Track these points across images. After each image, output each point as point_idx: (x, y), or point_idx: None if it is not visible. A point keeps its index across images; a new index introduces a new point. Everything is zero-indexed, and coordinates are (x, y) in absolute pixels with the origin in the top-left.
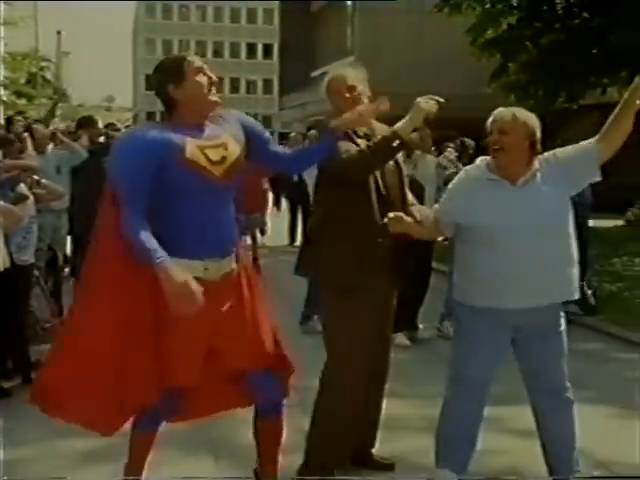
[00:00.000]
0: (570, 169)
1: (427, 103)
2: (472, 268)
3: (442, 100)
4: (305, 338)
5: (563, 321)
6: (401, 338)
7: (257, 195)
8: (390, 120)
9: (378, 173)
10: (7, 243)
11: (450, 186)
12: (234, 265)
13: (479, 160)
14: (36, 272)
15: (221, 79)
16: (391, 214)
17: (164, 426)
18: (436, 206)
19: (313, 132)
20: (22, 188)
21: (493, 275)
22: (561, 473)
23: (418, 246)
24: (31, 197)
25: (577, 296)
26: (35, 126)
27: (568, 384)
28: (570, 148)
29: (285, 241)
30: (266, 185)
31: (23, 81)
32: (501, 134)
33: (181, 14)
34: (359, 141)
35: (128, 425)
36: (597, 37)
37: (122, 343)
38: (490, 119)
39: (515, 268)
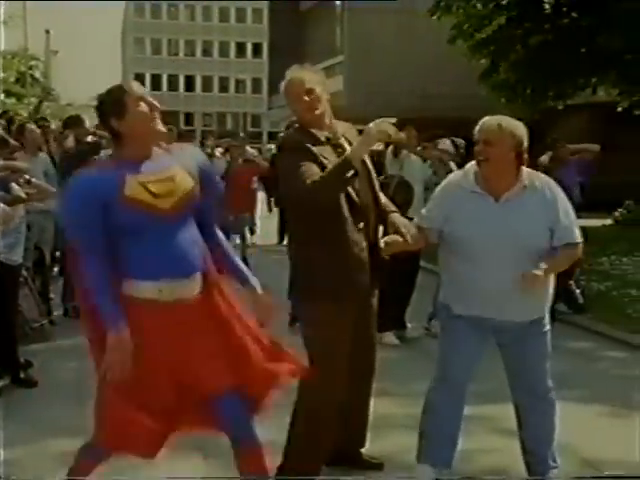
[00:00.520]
0: (557, 218)
1: (379, 129)
2: (454, 277)
3: (394, 121)
4: (294, 337)
5: (547, 322)
6: (390, 337)
7: (246, 195)
8: (378, 117)
9: None
10: None
11: (435, 193)
12: (196, 286)
13: (469, 166)
14: (24, 272)
15: (210, 78)
16: (385, 240)
17: None
18: (422, 212)
19: None
20: (16, 189)
21: (473, 287)
22: (537, 470)
23: None
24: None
25: (545, 319)
26: (30, 126)
27: (550, 384)
28: (568, 206)
29: (274, 240)
30: (255, 185)
31: (12, 80)
32: (486, 145)
33: (170, 13)
34: (320, 149)
35: None
36: (586, 37)
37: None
38: (477, 128)
39: (494, 283)
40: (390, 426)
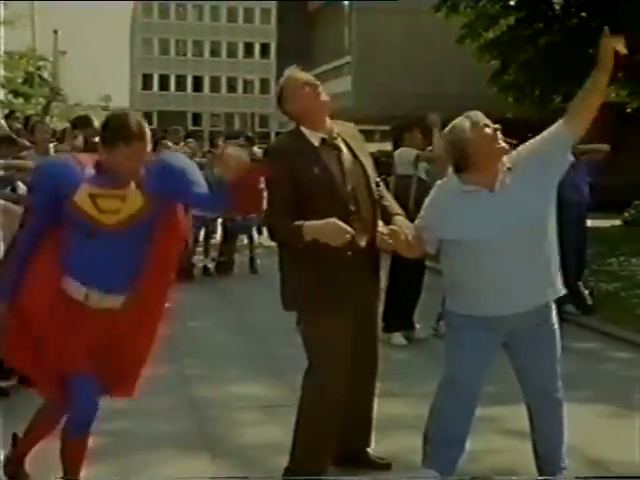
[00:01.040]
0: (539, 161)
1: (336, 232)
2: (458, 281)
3: (351, 232)
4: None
5: (555, 321)
6: (398, 338)
7: (253, 196)
8: (386, 119)
9: (334, 183)
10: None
11: (426, 202)
12: (119, 301)
13: (448, 176)
14: None
15: (218, 79)
16: (386, 229)
17: (160, 426)
18: (415, 225)
19: None
20: (22, 188)
21: (479, 286)
22: (547, 472)
23: None
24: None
25: (563, 292)
26: (41, 126)
27: (560, 384)
28: (533, 140)
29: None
30: (262, 185)
31: (20, 80)
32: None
33: (178, 14)
34: (311, 154)
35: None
36: (595, 38)
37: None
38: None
39: (500, 276)
40: (397, 427)
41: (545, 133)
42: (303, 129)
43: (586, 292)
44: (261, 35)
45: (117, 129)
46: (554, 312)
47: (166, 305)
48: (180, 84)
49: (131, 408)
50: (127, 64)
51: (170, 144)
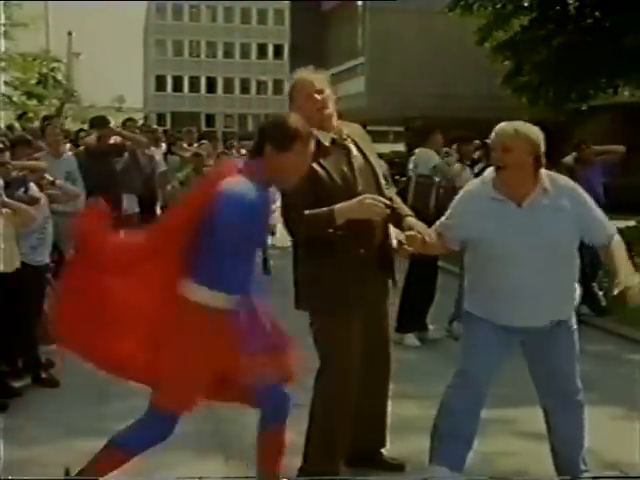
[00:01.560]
0: (584, 222)
1: (372, 206)
2: (479, 283)
3: (389, 203)
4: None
5: (574, 321)
6: (411, 339)
7: None
8: (399, 120)
9: (346, 182)
10: (18, 244)
11: (454, 202)
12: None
13: (487, 173)
14: None
15: (231, 80)
16: (401, 238)
17: (178, 425)
18: (441, 221)
19: None
20: (34, 190)
21: (497, 294)
22: (569, 474)
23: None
24: (44, 198)
25: (573, 318)
26: (53, 128)
27: (580, 385)
28: (594, 206)
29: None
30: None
31: (34, 82)
32: (504, 152)
33: (191, 15)
34: (322, 154)
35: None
36: (609, 37)
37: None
38: (492, 134)
39: (519, 289)
40: (410, 428)
41: (603, 217)
42: (313, 129)
43: (600, 293)
44: (274, 36)
45: (290, 130)
46: (573, 314)
47: None
48: (193, 85)
49: (144, 409)
50: (141, 65)
51: (184, 145)
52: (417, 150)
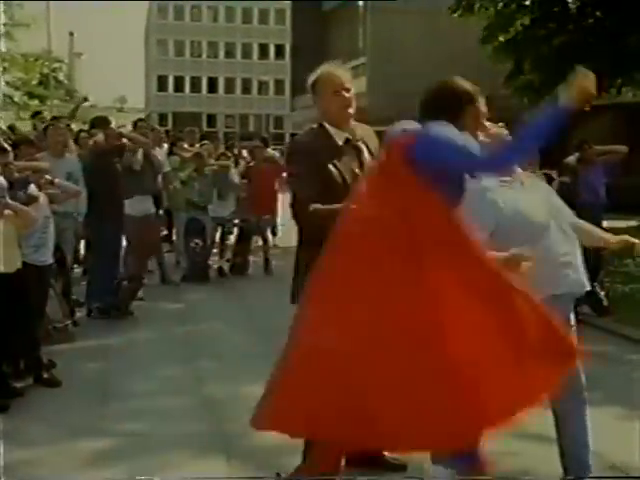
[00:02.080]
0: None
1: None
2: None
3: None
4: None
5: (573, 320)
6: None
7: (268, 196)
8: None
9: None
10: (20, 244)
11: (473, 205)
12: None
13: None
14: None
15: (233, 80)
16: None
17: (176, 427)
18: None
19: None
20: (32, 189)
21: (544, 264)
22: (575, 472)
23: None
24: (44, 197)
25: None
26: (54, 128)
27: (584, 383)
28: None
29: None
30: (277, 186)
31: (35, 82)
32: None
33: (193, 15)
34: (335, 153)
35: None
36: (611, 37)
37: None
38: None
39: (559, 257)
40: None
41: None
42: (328, 127)
43: (602, 293)
44: (276, 36)
45: (460, 93)
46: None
47: (178, 306)
48: (195, 85)
49: (147, 409)
50: (142, 65)
51: (186, 145)
52: None
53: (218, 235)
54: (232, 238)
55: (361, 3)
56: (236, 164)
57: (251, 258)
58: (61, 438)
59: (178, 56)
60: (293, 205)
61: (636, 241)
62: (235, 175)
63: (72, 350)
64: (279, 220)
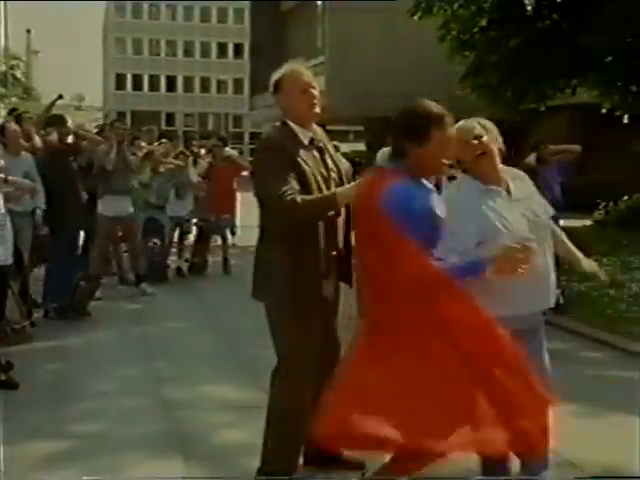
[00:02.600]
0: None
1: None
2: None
3: None
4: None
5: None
6: None
7: (227, 196)
8: (360, 120)
9: (321, 183)
10: None
11: (455, 214)
12: None
13: (460, 176)
14: None
15: (192, 79)
16: None
17: (133, 428)
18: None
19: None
20: None
21: (519, 283)
22: (533, 469)
23: None
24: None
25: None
26: (10, 126)
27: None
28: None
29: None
30: (235, 185)
31: None
32: (478, 140)
33: (151, 13)
34: (301, 152)
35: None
36: (566, 39)
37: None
38: (459, 132)
39: (535, 274)
40: None
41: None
42: (293, 126)
43: (558, 292)
44: (234, 35)
45: (426, 116)
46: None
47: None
48: (153, 84)
49: (103, 410)
50: (100, 64)
51: (143, 144)
52: (382, 150)
53: (176, 235)
54: (191, 237)
55: (319, 2)
56: (195, 163)
57: (210, 258)
58: (18, 439)
59: (136, 54)
60: (266, 203)
61: (603, 277)
62: (193, 174)
63: (30, 351)
64: (237, 220)
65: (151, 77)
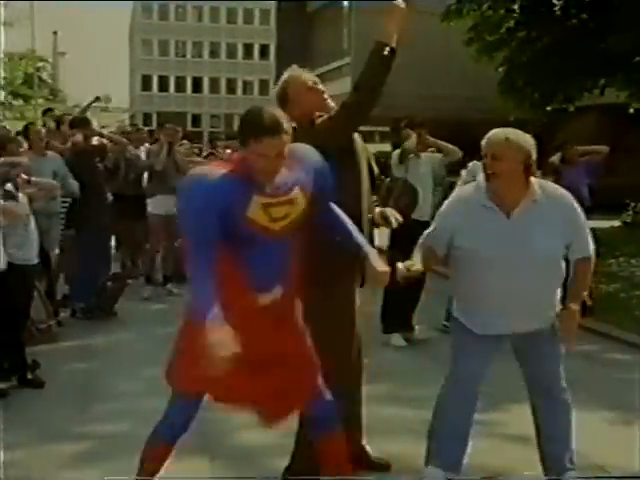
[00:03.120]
0: (573, 230)
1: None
2: (461, 292)
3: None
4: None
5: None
6: (396, 338)
7: None
8: (386, 120)
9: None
10: (4, 243)
11: (443, 207)
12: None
13: (480, 178)
14: None
15: (218, 80)
16: (403, 267)
17: None
18: (428, 231)
19: None
20: (8, 187)
21: (481, 303)
22: (554, 471)
23: (410, 248)
24: (22, 196)
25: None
26: (35, 127)
27: (564, 385)
28: (581, 215)
29: None
30: None
31: (20, 82)
32: (494, 159)
33: (177, 15)
34: None
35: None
36: (594, 39)
37: None
38: (484, 141)
39: (503, 298)
40: (397, 430)
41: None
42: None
43: (585, 293)
44: (260, 36)
45: (247, 125)
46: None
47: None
48: (179, 85)
49: (129, 410)
50: (126, 65)
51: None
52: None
53: None
54: None
55: (346, 3)
56: None
57: None
58: (44, 439)
59: (162, 56)
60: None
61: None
62: None
63: (56, 351)
64: None
65: (177, 78)
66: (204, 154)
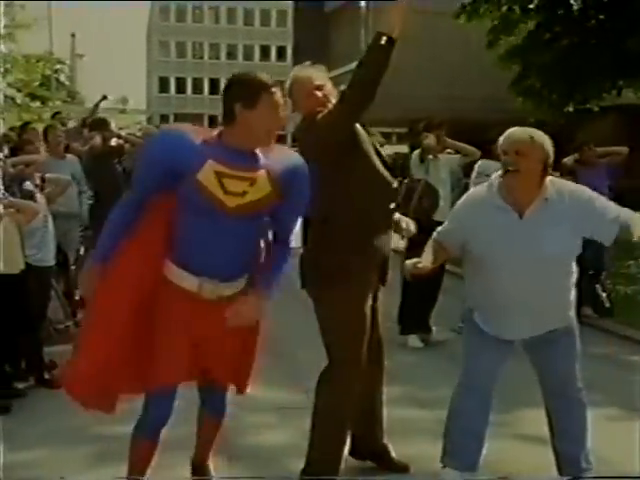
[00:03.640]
0: (585, 219)
1: None
2: (475, 293)
3: None
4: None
5: (574, 324)
6: (414, 340)
7: None
8: (403, 122)
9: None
10: (22, 245)
11: (456, 206)
12: (238, 286)
13: (493, 178)
14: None
15: None
16: (410, 263)
17: (175, 428)
18: (439, 230)
19: None
20: (27, 185)
21: (493, 304)
22: (569, 472)
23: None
24: (41, 196)
25: (571, 321)
26: (54, 130)
27: (580, 385)
28: (590, 197)
29: (297, 243)
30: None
31: (37, 83)
32: (518, 156)
33: (195, 16)
34: None
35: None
36: (613, 39)
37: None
38: (504, 138)
39: (515, 299)
40: (415, 431)
41: (602, 210)
42: None
43: (604, 295)
44: (277, 38)
45: (233, 89)
46: (572, 314)
47: None
48: (197, 87)
49: None
50: (144, 67)
51: None
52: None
53: None
54: None
55: (363, 4)
56: None
57: None
58: (62, 439)
59: (180, 57)
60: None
61: None
62: None
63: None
64: None
65: (194, 80)
66: None
